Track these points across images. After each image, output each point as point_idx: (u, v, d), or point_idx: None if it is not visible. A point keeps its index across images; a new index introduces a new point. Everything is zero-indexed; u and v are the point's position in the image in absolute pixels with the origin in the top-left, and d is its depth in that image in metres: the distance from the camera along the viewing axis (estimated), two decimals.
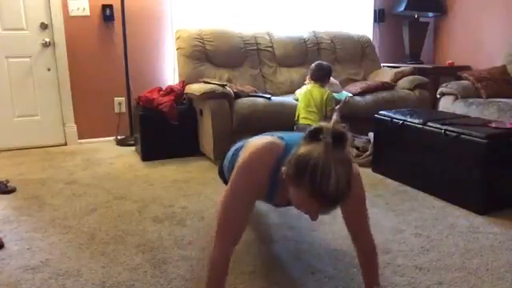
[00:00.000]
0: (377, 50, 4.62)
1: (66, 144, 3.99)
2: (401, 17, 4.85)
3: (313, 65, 3.50)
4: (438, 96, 3.87)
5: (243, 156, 1.38)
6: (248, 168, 1.34)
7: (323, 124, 1.18)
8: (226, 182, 1.93)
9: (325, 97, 3.34)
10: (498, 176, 2.32)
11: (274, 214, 2.31)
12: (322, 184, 1.11)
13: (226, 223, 1.37)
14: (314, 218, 1.21)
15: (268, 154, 1.34)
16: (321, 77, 3.44)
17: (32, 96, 3.85)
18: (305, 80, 3.74)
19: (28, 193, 2.70)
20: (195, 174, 3.09)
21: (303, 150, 1.17)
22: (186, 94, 3.57)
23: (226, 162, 1.85)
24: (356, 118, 3.54)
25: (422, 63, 4.79)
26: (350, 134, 1.18)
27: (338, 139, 1.15)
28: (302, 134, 1.39)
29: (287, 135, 1.44)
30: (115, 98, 4.09)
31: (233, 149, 1.81)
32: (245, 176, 1.34)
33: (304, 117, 3.33)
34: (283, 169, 1.21)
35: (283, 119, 3.37)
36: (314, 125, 1.21)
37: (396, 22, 4.90)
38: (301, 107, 3.37)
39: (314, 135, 1.18)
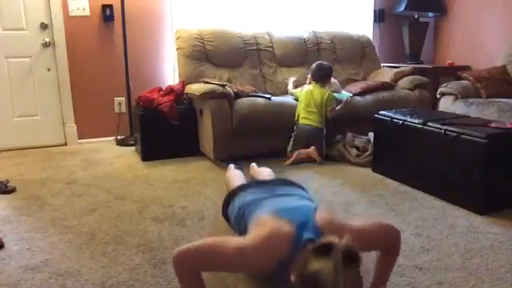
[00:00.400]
0: (377, 49, 4.62)
1: (66, 144, 4.00)
2: (401, 17, 4.85)
3: (314, 65, 3.50)
4: (438, 96, 3.87)
5: (253, 237, 1.36)
6: (256, 253, 1.32)
7: (335, 240, 1.14)
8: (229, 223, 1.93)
9: (325, 97, 3.34)
10: (498, 176, 2.32)
11: None
12: None
13: (207, 259, 1.34)
14: None
15: (277, 246, 1.32)
16: (322, 77, 3.44)
17: (32, 96, 3.85)
18: (295, 80, 3.76)
19: (28, 193, 2.70)
20: (195, 173, 3.09)
21: (312, 265, 1.12)
22: (186, 94, 3.57)
23: (232, 215, 1.83)
24: (356, 118, 3.54)
25: (422, 63, 4.79)
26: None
27: (350, 258, 1.11)
28: (311, 211, 1.43)
29: (296, 215, 1.41)
30: (115, 98, 4.09)
31: (239, 202, 1.78)
32: (252, 257, 1.32)
33: (304, 117, 3.34)
34: (292, 278, 1.19)
35: (283, 119, 3.37)
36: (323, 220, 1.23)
37: (396, 22, 4.90)
38: (301, 107, 3.37)
39: (325, 249, 1.13)
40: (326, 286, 1.08)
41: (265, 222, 1.41)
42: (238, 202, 1.80)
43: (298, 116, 3.38)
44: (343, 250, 1.11)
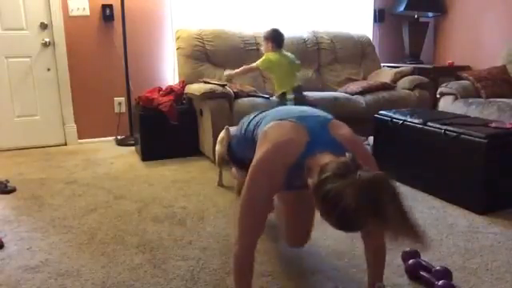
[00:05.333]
0: (377, 49, 4.62)
1: (65, 144, 4.00)
2: (401, 17, 4.85)
3: (271, 30, 3.25)
4: (438, 96, 3.87)
5: (262, 150, 1.35)
6: (266, 166, 1.33)
7: (360, 162, 1.15)
8: (232, 155, 1.93)
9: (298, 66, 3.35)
10: (497, 176, 2.32)
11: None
12: (350, 223, 1.12)
13: (247, 221, 1.37)
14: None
15: (289, 154, 1.31)
16: (283, 42, 3.27)
17: (32, 96, 3.85)
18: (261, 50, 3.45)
19: (28, 193, 2.70)
20: (195, 173, 3.09)
21: (333, 184, 1.10)
22: (186, 93, 3.58)
23: (238, 132, 1.83)
24: (356, 118, 3.53)
25: (422, 63, 4.78)
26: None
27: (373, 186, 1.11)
28: (325, 120, 1.41)
29: (311, 120, 1.39)
30: (115, 98, 4.09)
31: (248, 119, 1.75)
32: (264, 174, 1.33)
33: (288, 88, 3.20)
34: (309, 183, 1.20)
35: None
36: (349, 155, 1.17)
37: (396, 22, 4.89)
38: (284, 77, 3.20)
39: (348, 168, 1.13)
40: (346, 214, 1.08)
41: (275, 132, 1.39)
42: (247, 119, 1.77)
43: (282, 91, 3.19)
44: (369, 174, 1.12)
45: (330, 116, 1.48)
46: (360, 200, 1.06)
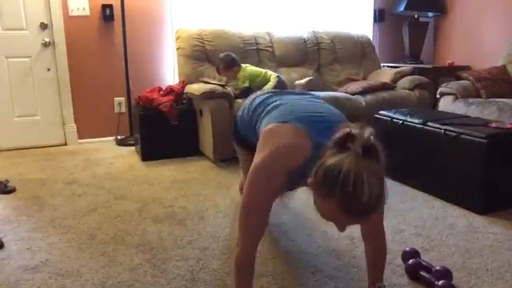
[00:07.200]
0: (377, 49, 4.62)
1: (65, 144, 4.00)
2: (401, 17, 4.85)
3: (224, 56, 3.50)
4: (438, 96, 3.87)
5: (262, 154, 1.32)
6: (268, 170, 1.30)
7: (355, 131, 1.11)
8: (236, 133, 1.92)
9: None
10: (498, 176, 2.32)
11: (275, 214, 2.31)
12: (353, 197, 1.05)
13: (248, 224, 1.36)
14: (342, 229, 1.16)
15: (291, 160, 1.29)
16: (236, 60, 3.56)
17: (32, 96, 3.85)
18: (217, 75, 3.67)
19: (28, 193, 2.70)
20: (195, 174, 3.09)
21: (332, 160, 1.09)
22: (186, 93, 3.58)
23: (240, 113, 1.82)
24: (356, 118, 3.54)
25: (422, 63, 4.79)
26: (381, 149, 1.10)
27: (369, 151, 1.08)
28: (330, 124, 1.34)
29: (314, 125, 1.35)
30: (115, 98, 4.09)
31: (253, 103, 1.71)
32: (265, 179, 1.30)
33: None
34: (309, 180, 1.15)
35: None
36: (345, 130, 1.13)
37: (396, 22, 4.90)
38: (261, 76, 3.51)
39: (343, 143, 1.11)
40: (348, 180, 1.04)
41: (279, 135, 1.35)
42: (250, 103, 1.73)
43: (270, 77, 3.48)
44: (363, 142, 1.08)
45: (340, 118, 1.45)
46: (359, 167, 1.05)
